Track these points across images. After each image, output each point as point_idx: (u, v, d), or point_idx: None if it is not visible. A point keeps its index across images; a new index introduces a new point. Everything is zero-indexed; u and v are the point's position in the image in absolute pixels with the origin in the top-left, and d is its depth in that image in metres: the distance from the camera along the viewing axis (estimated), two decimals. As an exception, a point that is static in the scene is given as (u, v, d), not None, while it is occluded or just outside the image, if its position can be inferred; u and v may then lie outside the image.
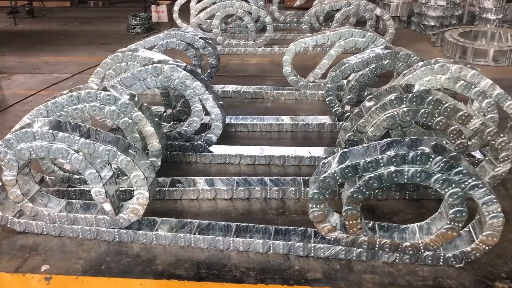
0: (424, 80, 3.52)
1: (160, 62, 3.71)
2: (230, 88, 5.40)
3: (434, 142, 2.52)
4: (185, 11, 8.41)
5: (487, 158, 3.31)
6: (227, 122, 4.46)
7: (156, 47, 5.20)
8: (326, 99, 4.35)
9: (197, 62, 5.25)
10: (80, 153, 2.73)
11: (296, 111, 4.92)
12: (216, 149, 3.93)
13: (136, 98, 3.25)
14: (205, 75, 5.34)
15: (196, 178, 3.51)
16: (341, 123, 4.40)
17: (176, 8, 8.21)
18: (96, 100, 3.14)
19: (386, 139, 2.57)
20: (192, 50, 5.18)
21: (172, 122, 4.46)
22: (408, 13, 8.28)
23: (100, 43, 7.90)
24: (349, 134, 3.14)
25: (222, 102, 3.85)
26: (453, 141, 3.09)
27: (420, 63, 3.62)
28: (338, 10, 6.85)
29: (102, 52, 7.31)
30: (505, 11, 7.97)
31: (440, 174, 2.42)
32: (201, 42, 5.12)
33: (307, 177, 3.47)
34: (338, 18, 6.77)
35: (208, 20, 7.40)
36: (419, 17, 8.08)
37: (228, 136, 4.31)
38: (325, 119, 4.50)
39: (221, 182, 3.46)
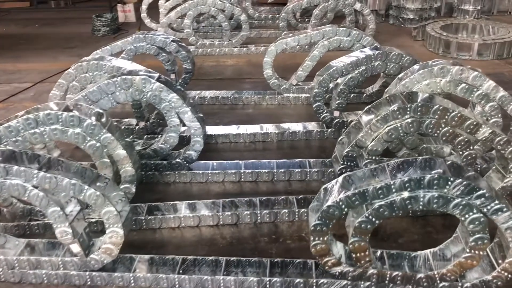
0: (422, 84, 3.23)
1: (130, 73, 3.29)
2: (207, 93, 5.01)
3: (449, 162, 2.22)
4: (154, 10, 7.94)
5: (494, 167, 3.04)
6: (207, 133, 4.08)
7: (124, 53, 4.76)
8: (314, 105, 4.02)
9: (170, 68, 4.84)
10: (40, 189, 2.31)
11: (281, 117, 4.58)
12: (197, 167, 3.56)
13: (104, 118, 2.84)
14: (180, 81, 4.94)
15: (176, 202, 3.13)
16: (329, 129, 4.09)
17: (144, 7, 7.74)
18: (57, 123, 2.72)
19: (396, 160, 2.25)
20: (164, 54, 4.76)
21: (145, 137, 4.06)
22: (386, 7, 8.03)
23: (63, 47, 7.35)
24: (347, 150, 2.82)
25: (201, 115, 3.47)
26: (460, 152, 2.81)
27: (417, 66, 3.32)
28: (316, 6, 6.52)
29: (66, 57, 6.78)
30: (483, 2, 7.81)
31: (459, 199, 2.12)
32: (173, 46, 4.71)
33: (300, 196, 3.15)
34: (317, 14, 6.45)
35: (179, 19, 6.96)
36: (398, 10, 7.85)
37: (209, 149, 3.94)
38: (313, 126, 4.17)
39: (204, 206, 3.10)
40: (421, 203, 2.13)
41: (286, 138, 4.11)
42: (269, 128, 4.17)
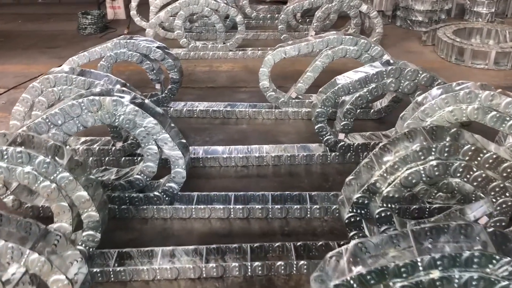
0: (445, 110, 2.73)
1: (101, 93, 2.78)
2: (196, 106, 4.50)
3: (491, 230, 1.72)
4: (145, 6, 7.40)
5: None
6: (192, 156, 3.58)
7: (103, 59, 4.24)
8: (316, 126, 3.51)
9: (154, 77, 4.32)
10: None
11: (278, 135, 4.08)
12: (179, 199, 3.07)
13: (61, 151, 2.34)
14: (166, 92, 4.42)
15: (152, 249, 2.64)
16: (333, 154, 3.59)
17: (133, 4, 7.19)
18: (2, 159, 2.21)
19: (423, 225, 1.76)
20: (148, 62, 4.24)
21: (123, 159, 3.56)
22: (393, 7, 7.50)
23: (44, 47, 6.81)
24: (358, 196, 2.32)
25: (184, 141, 2.96)
26: (494, 200, 2.32)
27: (438, 89, 2.81)
28: (318, 7, 5.98)
29: (46, 59, 6.25)
30: (497, 4, 7.29)
31: (507, 282, 1.63)
32: (158, 53, 4.19)
33: (299, 243, 2.66)
34: (319, 16, 5.92)
35: (171, 17, 6.41)
36: (405, 11, 7.32)
37: (195, 174, 3.44)
38: (314, 149, 3.68)
39: (185, 254, 2.60)
40: (455, 285, 1.64)
41: (284, 162, 3.61)
42: (265, 150, 3.66)
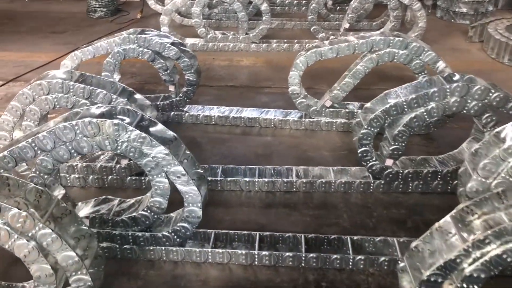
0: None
1: (101, 114, 2.22)
2: (215, 111, 3.93)
3: None
4: (159, -12, 6.83)
5: None
6: (209, 177, 3.04)
7: (110, 56, 3.68)
8: (359, 150, 2.93)
9: (168, 78, 3.75)
10: None
11: (308, 151, 3.51)
12: (192, 237, 2.54)
13: (44, 196, 1.80)
14: (181, 95, 3.86)
15: (158, 311, 2.12)
16: (378, 182, 3.01)
17: (148, -15, 6.60)
18: (-37, 211, 1.69)
19: None
20: (161, 61, 3.67)
21: (128, 179, 3.03)
22: (433, -4, 6.78)
23: (49, 31, 6.26)
24: (429, 273, 1.74)
25: (201, 171, 2.41)
26: None
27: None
28: (354, -4, 5.32)
29: (50, 45, 5.72)
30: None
31: None
32: (173, 51, 3.61)
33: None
34: (355, 7, 5.26)
35: (188, 2, 5.78)
36: (448, 1, 6.58)
37: (212, 200, 2.90)
38: (354, 174, 3.10)
39: (199, 321, 2.08)
40: None
41: (317, 188, 3.04)
42: (294, 173, 3.10)
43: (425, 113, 2.73)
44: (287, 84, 3.78)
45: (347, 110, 3.73)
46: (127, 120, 2.20)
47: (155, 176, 2.29)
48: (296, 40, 5.54)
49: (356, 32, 5.68)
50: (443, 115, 2.76)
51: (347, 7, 6.58)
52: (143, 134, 2.17)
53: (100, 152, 3.18)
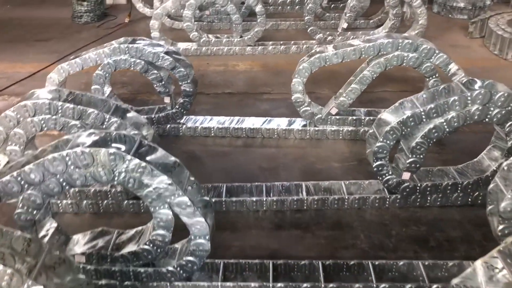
0: None
1: (96, 143, 1.99)
2: (213, 122, 3.71)
3: None
4: (147, -9, 6.58)
5: None
6: (214, 198, 2.82)
7: (100, 68, 3.44)
8: (374, 164, 2.72)
9: (163, 89, 3.52)
10: None
11: (315, 163, 3.30)
12: (199, 268, 2.31)
13: (34, 245, 1.58)
14: (177, 106, 3.62)
15: None
16: (394, 196, 2.81)
17: (135, -12, 6.34)
18: None
19: None
20: (155, 71, 3.43)
21: (125, 203, 2.80)
22: (429, -9, 6.60)
23: (33, 39, 5.97)
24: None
25: (207, 198, 2.19)
26: None
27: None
28: (351, -6, 5.12)
29: (35, 55, 5.44)
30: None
31: None
32: (168, 61, 3.37)
33: None
34: (353, 5, 5.05)
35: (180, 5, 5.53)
36: (445, -4, 6.41)
37: (217, 224, 2.66)
38: (368, 189, 2.90)
39: None
40: None
41: (329, 205, 2.84)
42: (304, 189, 2.89)
43: (444, 123, 2.53)
44: (287, 89, 3.58)
45: (354, 117, 3.53)
46: (124, 147, 1.97)
47: (157, 208, 2.06)
48: (292, 42, 5.33)
49: (353, 31, 5.50)
50: (464, 124, 2.56)
51: (341, 4, 6.44)
52: (143, 164, 1.94)
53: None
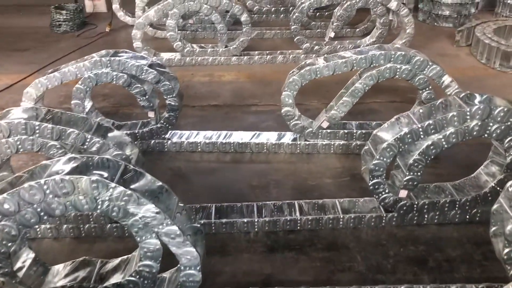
0: None
1: (76, 169, 1.83)
2: (200, 137, 3.57)
3: None
4: (129, -1, 6.41)
5: None
6: (202, 220, 2.68)
7: (80, 82, 3.27)
8: (370, 182, 2.61)
9: (146, 104, 3.36)
10: None
11: (307, 179, 3.19)
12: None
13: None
14: (162, 121, 3.47)
15: None
16: (390, 215, 2.71)
17: (115, -4, 6.17)
18: None
19: None
20: (138, 85, 3.28)
21: (108, 226, 2.64)
22: (415, -1, 6.59)
23: (10, 49, 5.74)
24: None
25: (197, 225, 2.05)
26: None
27: None
28: (338, 4, 5.04)
29: (11, 66, 5.22)
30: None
31: None
32: (152, 74, 3.23)
33: None
34: (340, 15, 4.96)
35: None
36: (430, 4, 6.40)
37: (206, 247, 2.53)
38: (363, 207, 2.79)
39: None
40: None
41: (324, 225, 2.72)
42: (297, 208, 2.77)
43: (443, 140, 2.44)
44: (275, 101, 3.47)
45: (345, 131, 3.43)
46: (107, 174, 1.82)
47: (143, 238, 1.92)
48: (279, 51, 5.23)
49: (340, 40, 5.41)
50: (462, 140, 2.47)
51: (326, 13, 6.37)
52: (128, 191, 1.79)
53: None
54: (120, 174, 1.86)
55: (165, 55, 5.15)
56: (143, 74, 3.22)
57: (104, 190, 1.78)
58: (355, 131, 3.43)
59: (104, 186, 1.78)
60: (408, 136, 2.45)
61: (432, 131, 2.44)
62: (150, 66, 3.26)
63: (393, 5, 4.88)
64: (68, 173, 1.82)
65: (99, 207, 1.83)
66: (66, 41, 5.99)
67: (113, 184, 1.78)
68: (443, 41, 5.81)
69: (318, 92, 4.34)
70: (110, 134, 2.55)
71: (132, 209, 1.82)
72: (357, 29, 5.92)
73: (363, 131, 3.43)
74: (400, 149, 2.50)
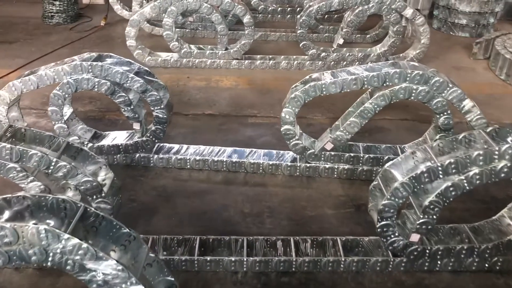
0: None
1: (21, 212, 1.50)
2: (190, 152, 3.23)
3: None
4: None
5: None
6: (184, 256, 2.35)
7: (58, 88, 2.94)
8: (379, 224, 2.27)
9: (131, 114, 3.03)
10: None
11: (306, 209, 2.85)
12: None
13: None
14: (149, 135, 3.13)
15: None
16: (398, 260, 2.37)
17: (112, -12, 5.82)
18: None
19: None
20: (123, 94, 2.94)
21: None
22: (430, 5, 6.21)
23: (-2, 41, 5.41)
24: None
25: (171, 278, 1.71)
26: None
27: None
28: (349, 8, 4.68)
29: (-3, 59, 4.88)
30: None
31: None
32: (138, 83, 2.88)
33: None
34: (351, 20, 4.60)
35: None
36: (446, 12, 6.02)
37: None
38: (368, 249, 2.45)
39: None
40: None
41: (322, 268, 2.38)
42: (293, 247, 2.43)
43: (465, 181, 2.10)
44: (275, 112, 3.14)
45: (351, 154, 3.09)
46: (57, 223, 1.49)
47: (106, 297, 1.58)
48: (282, 56, 4.88)
49: (349, 46, 5.06)
50: (487, 182, 2.13)
51: (336, 15, 6.01)
52: (84, 245, 1.46)
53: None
54: (77, 220, 1.52)
55: (161, 55, 4.81)
56: (128, 82, 2.88)
57: (55, 241, 1.45)
58: (362, 155, 3.09)
59: (54, 236, 1.45)
60: (426, 175, 2.11)
61: (453, 171, 2.10)
62: (137, 73, 2.92)
63: (408, 12, 4.52)
64: (14, 217, 1.49)
65: (50, 259, 1.50)
66: (57, 34, 5.65)
67: (65, 236, 1.45)
68: (459, 52, 5.44)
69: (323, 105, 4.00)
70: (81, 155, 2.21)
71: (90, 265, 1.49)
72: (368, 35, 5.57)
73: (371, 155, 3.09)
74: (415, 190, 2.15)
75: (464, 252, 2.36)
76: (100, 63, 2.85)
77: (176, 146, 3.27)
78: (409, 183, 2.13)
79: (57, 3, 5.83)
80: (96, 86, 2.89)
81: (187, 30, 5.63)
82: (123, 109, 3.00)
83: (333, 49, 4.81)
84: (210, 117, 3.91)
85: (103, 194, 2.12)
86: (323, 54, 4.78)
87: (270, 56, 4.86)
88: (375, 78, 2.81)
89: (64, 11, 5.87)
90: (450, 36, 6.00)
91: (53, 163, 2.07)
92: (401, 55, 4.91)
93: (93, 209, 1.58)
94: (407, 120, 3.91)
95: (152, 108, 3.00)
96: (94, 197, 2.13)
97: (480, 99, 3.83)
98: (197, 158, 3.17)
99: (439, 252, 2.35)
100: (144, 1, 5.52)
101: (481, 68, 5.01)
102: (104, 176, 2.23)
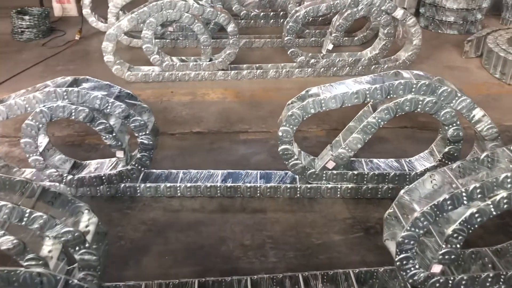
0: None
1: None
2: (180, 179, 2.97)
3: None
4: (101, 1, 5.77)
5: None
6: (183, 304, 2.10)
7: (31, 117, 2.65)
8: (397, 258, 2.05)
9: (114, 142, 2.75)
10: None
11: (311, 237, 2.63)
12: None
13: None
14: (134, 163, 2.86)
15: None
16: (418, 293, 2.16)
17: (86, 0, 5.51)
18: None
19: None
20: (102, 121, 2.66)
21: None
22: (416, 3, 6.05)
23: (-36, 61, 5.06)
24: None
25: None
26: None
27: None
28: (337, 12, 4.47)
29: (-38, 83, 4.54)
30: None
31: None
32: (119, 108, 2.62)
33: None
34: (340, 24, 4.39)
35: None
36: (433, 10, 5.87)
37: None
38: (385, 282, 2.23)
39: None
40: None
41: (334, 305, 2.16)
42: (302, 282, 2.20)
43: (491, 206, 1.89)
44: (267, 126, 2.92)
45: (354, 172, 2.87)
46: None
47: None
48: (270, 65, 4.64)
49: (338, 50, 4.85)
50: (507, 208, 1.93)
51: (320, 18, 5.81)
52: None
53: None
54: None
55: (142, 68, 4.53)
56: (109, 107, 2.61)
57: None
58: (366, 172, 2.87)
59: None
60: (449, 202, 1.90)
61: (479, 196, 1.89)
62: (117, 97, 2.65)
63: (399, 14, 4.33)
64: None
65: None
66: (29, 51, 5.31)
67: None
68: (450, 50, 5.29)
69: (317, 115, 3.72)
70: (59, 201, 1.94)
71: None
72: (356, 38, 5.37)
73: (376, 172, 2.88)
74: (437, 218, 1.94)
75: (490, 280, 2.16)
76: (76, 89, 2.58)
77: (164, 172, 3.01)
78: (431, 212, 1.92)
79: (27, 17, 5.47)
80: (73, 114, 2.61)
81: (167, 40, 5.35)
82: (104, 137, 2.73)
83: (322, 55, 4.59)
84: (199, 135, 3.66)
85: (86, 245, 1.85)
86: (312, 60, 4.56)
87: (257, 65, 4.62)
88: (378, 91, 2.60)
89: (35, 25, 5.52)
90: (439, 34, 5.85)
91: (26, 214, 1.79)
92: (392, 57, 4.72)
93: (75, 280, 1.32)
94: (407, 127, 3.72)
95: (137, 135, 2.74)
96: (77, 248, 1.86)
97: (478, 100, 3.63)
98: (188, 184, 2.91)
99: (463, 282, 2.14)
100: (120, 12, 5.22)
101: (474, 67, 4.85)
102: (87, 221, 1.96)
